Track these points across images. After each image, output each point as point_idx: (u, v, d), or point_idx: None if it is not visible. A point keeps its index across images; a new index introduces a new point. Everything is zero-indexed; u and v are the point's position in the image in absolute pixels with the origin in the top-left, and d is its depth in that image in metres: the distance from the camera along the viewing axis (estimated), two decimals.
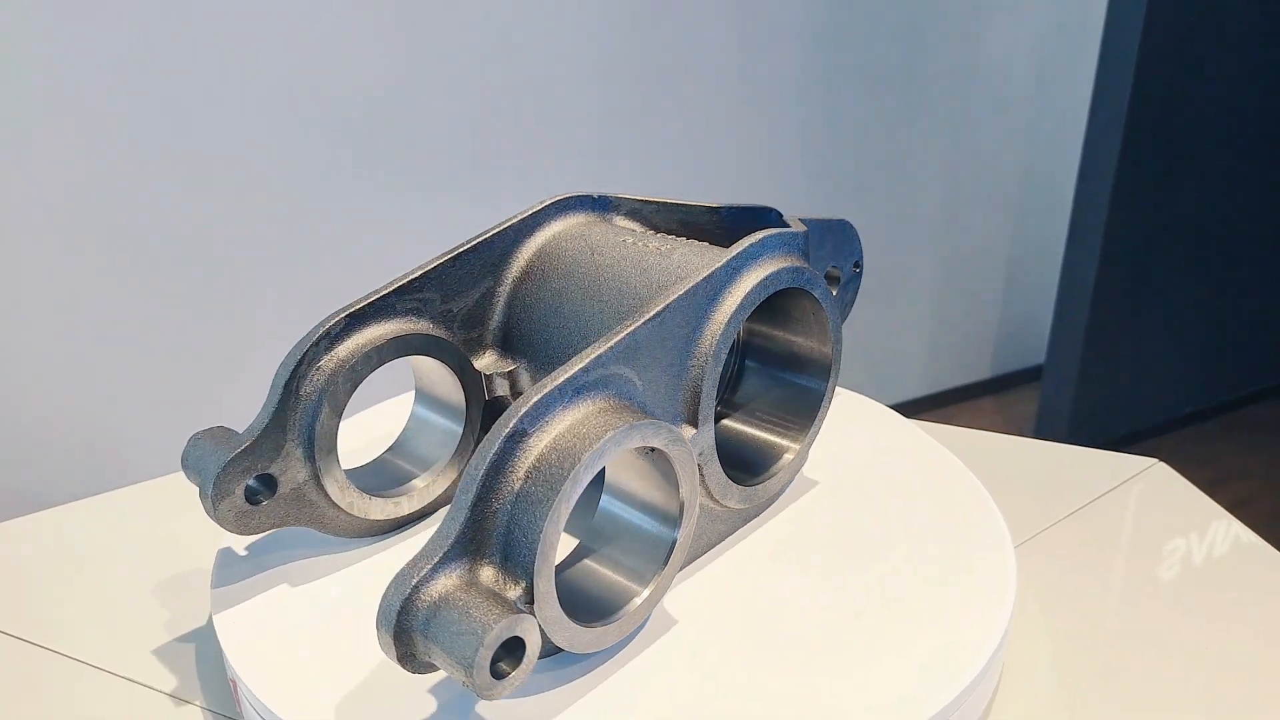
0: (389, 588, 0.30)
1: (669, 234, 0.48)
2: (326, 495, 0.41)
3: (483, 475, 0.31)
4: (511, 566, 0.32)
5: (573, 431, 0.33)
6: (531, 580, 0.31)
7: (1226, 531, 0.55)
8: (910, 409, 1.80)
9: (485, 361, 0.46)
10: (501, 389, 0.46)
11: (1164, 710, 0.42)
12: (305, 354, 0.40)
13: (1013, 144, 1.74)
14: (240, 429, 0.40)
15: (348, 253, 1.19)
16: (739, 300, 0.40)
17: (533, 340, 0.45)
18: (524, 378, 0.46)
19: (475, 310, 0.45)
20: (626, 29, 1.28)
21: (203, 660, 0.44)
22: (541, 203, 0.47)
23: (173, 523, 0.56)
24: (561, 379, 0.33)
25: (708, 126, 1.41)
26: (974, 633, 0.39)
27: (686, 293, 0.38)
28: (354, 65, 1.12)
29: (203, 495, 0.38)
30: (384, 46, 1.13)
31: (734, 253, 0.40)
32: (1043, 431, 1.70)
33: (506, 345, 0.46)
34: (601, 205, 0.49)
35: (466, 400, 0.45)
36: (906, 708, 0.35)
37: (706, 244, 0.44)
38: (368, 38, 1.12)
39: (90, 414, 1.11)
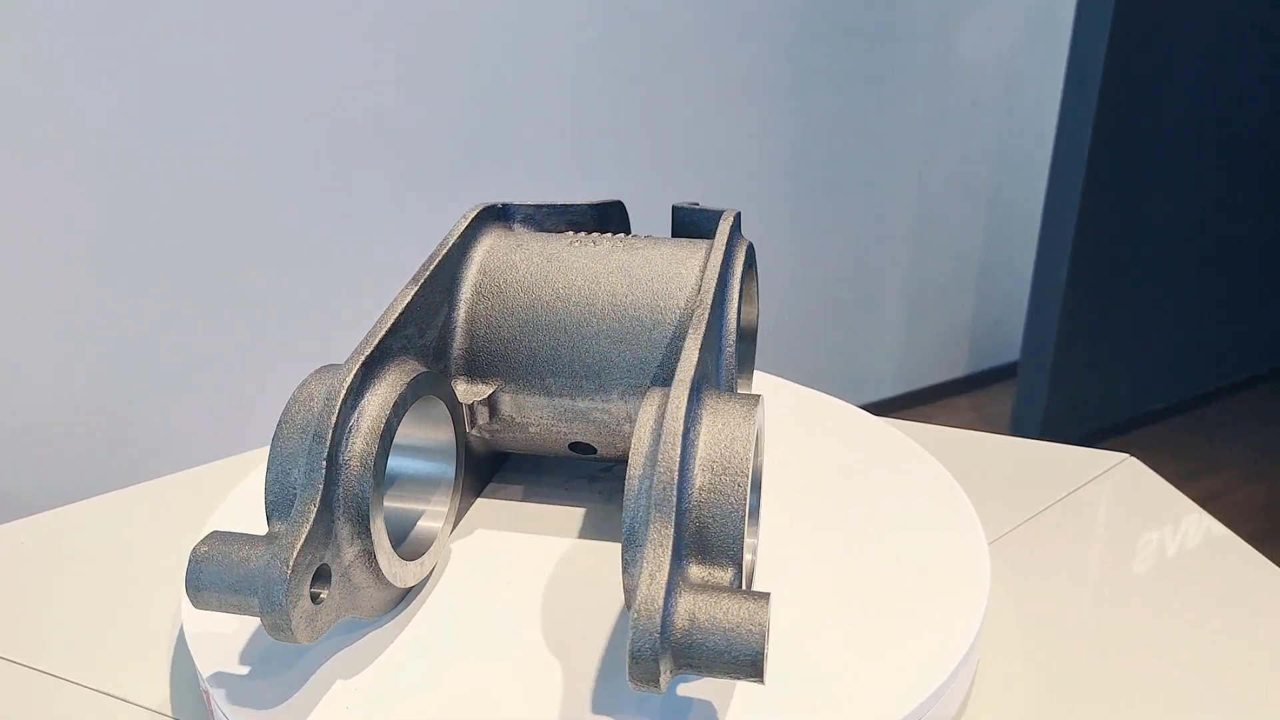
0: (638, 625, 0.29)
1: (580, 233, 0.48)
2: (374, 571, 0.36)
3: (677, 485, 0.32)
4: (715, 556, 0.33)
5: (721, 426, 0.34)
6: (740, 564, 0.33)
7: (1198, 525, 0.55)
8: (886, 408, 1.81)
9: (460, 391, 0.44)
10: (483, 417, 0.43)
11: (1139, 704, 0.43)
12: (339, 415, 0.35)
13: (985, 144, 1.76)
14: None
15: (338, 256, 1.18)
16: (739, 277, 0.43)
17: (506, 360, 0.43)
18: (504, 400, 0.44)
19: (439, 340, 0.43)
20: (603, 31, 1.28)
21: (176, 672, 0.44)
22: (466, 217, 0.45)
23: (142, 532, 0.55)
24: (687, 379, 0.34)
25: (683, 128, 1.41)
26: (949, 629, 0.39)
27: (720, 279, 0.41)
28: (343, 71, 1.12)
29: (269, 613, 0.31)
30: (374, 53, 1.13)
31: (726, 236, 0.44)
32: (1018, 428, 1.72)
33: (473, 371, 0.44)
34: (505, 215, 0.48)
35: (455, 436, 0.43)
36: (881, 705, 0.35)
37: (645, 236, 0.46)
38: (357, 44, 1.12)
39: (58, 423, 1.10)
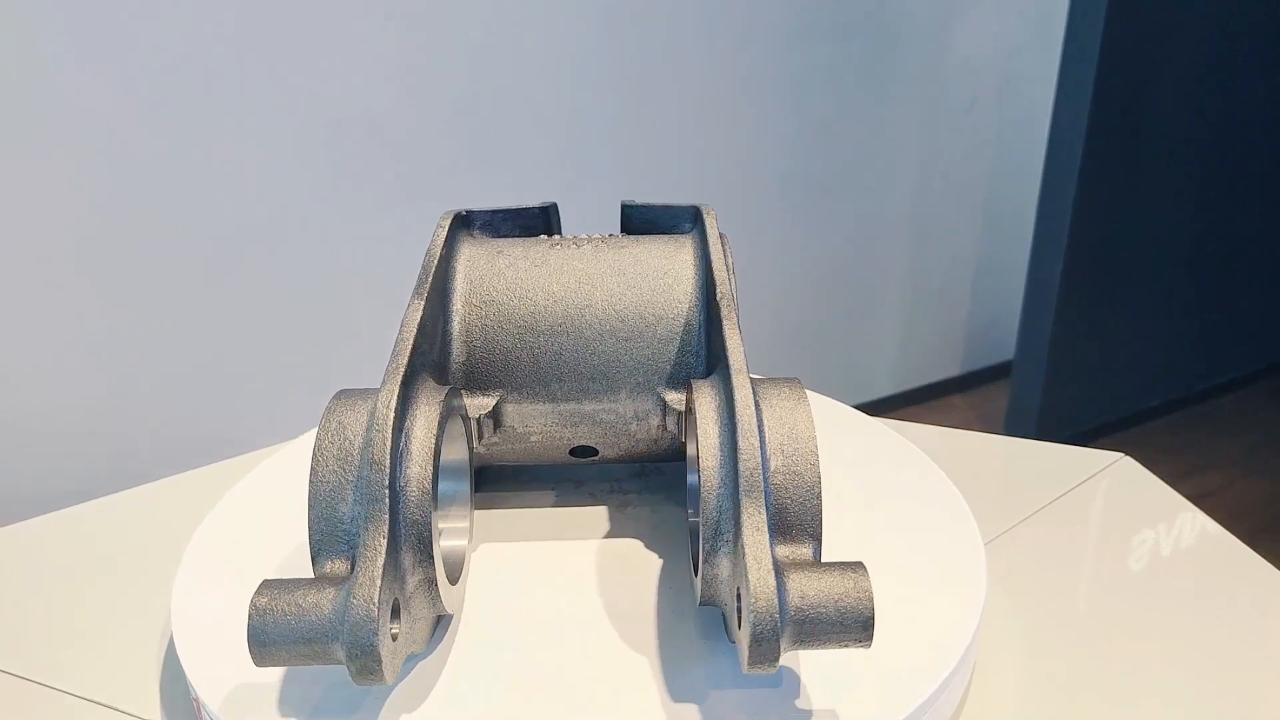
0: (758, 608, 0.30)
1: (556, 236, 0.48)
2: (431, 599, 0.35)
3: (765, 475, 0.33)
4: (796, 534, 0.34)
5: (778, 409, 0.35)
6: (820, 539, 0.34)
7: (1192, 523, 0.55)
8: (881, 407, 1.81)
9: (466, 405, 0.42)
10: (487, 430, 0.42)
11: (1135, 701, 0.43)
12: (394, 444, 0.33)
13: (980, 144, 1.76)
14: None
15: (332, 259, 1.18)
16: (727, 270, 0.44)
17: (509, 369, 0.42)
18: (507, 410, 0.43)
19: (441, 354, 0.42)
20: (599, 31, 1.28)
21: (166, 680, 0.43)
22: (443, 226, 0.44)
23: (130, 538, 0.55)
24: (744, 368, 0.36)
25: (679, 129, 1.41)
26: (946, 629, 0.39)
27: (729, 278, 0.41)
28: (338, 72, 1.12)
29: (359, 658, 0.29)
30: (368, 55, 1.13)
31: (716, 230, 0.44)
32: (1013, 426, 1.72)
33: (474, 383, 0.43)
34: (468, 222, 0.47)
35: (469, 451, 0.42)
36: (879, 706, 0.35)
37: (620, 235, 0.46)
38: (352, 46, 1.12)
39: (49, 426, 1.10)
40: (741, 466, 0.33)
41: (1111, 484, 0.59)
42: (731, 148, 1.48)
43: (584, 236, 0.46)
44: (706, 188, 1.46)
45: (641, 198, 0.49)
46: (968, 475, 0.51)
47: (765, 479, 0.33)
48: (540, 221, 0.49)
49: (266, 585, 0.31)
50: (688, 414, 0.40)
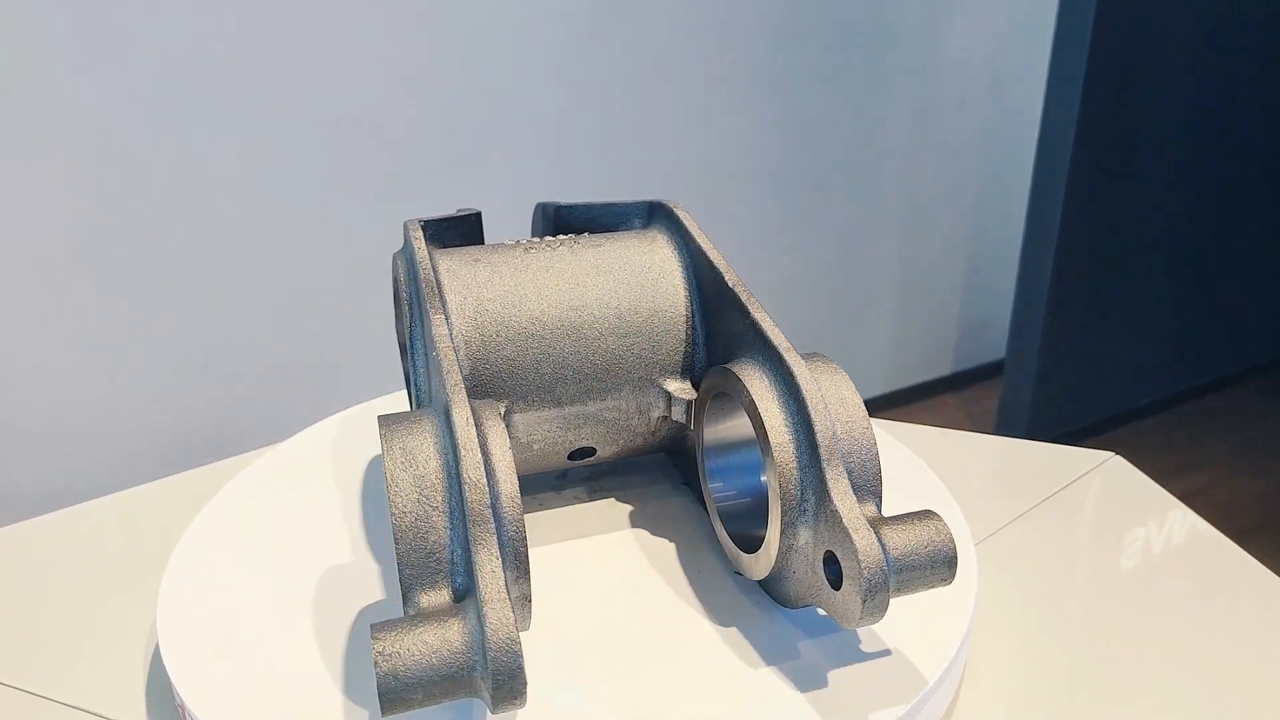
0: (870, 564, 0.32)
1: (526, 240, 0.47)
2: (527, 617, 0.34)
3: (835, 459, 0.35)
4: (863, 494, 0.36)
5: (825, 380, 0.38)
6: (881, 496, 0.36)
7: (1182, 522, 0.55)
8: (873, 406, 1.81)
9: None
10: None
11: (1127, 700, 0.43)
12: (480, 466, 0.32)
13: (971, 143, 1.76)
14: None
15: (325, 258, 1.17)
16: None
17: (514, 377, 0.42)
18: (515, 418, 0.42)
19: None
20: (588, 32, 1.28)
21: (151, 687, 0.43)
22: (417, 236, 0.43)
23: (113, 544, 0.54)
24: (790, 346, 0.37)
25: (669, 128, 1.41)
26: (937, 631, 0.39)
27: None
28: (331, 72, 1.11)
29: (504, 685, 0.29)
30: (360, 55, 1.12)
31: (694, 223, 0.45)
32: (1004, 425, 1.72)
33: (478, 394, 0.42)
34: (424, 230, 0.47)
35: None
36: (872, 705, 0.35)
37: (586, 235, 0.46)
38: (344, 46, 1.11)
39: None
40: (820, 438, 0.34)
41: (1102, 483, 0.59)
42: (721, 147, 1.47)
43: (556, 239, 0.45)
44: (696, 187, 1.46)
45: (633, 198, 0.49)
46: (958, 475, 0.51)
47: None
48: (477, 229, 0.49)
49: (380, 633, 0.29)
50: (699, 402, 0.41)
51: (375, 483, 0.50)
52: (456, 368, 0.35)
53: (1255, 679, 0.44)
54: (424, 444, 0.33)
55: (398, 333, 0.48)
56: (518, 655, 0.29)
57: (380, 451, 0.52)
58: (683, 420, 0.43)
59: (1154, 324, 1.79)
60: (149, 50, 1.03)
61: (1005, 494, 0.57)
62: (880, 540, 0.33)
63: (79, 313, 1.08)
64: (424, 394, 0.41)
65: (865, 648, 0.38)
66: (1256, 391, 1.96)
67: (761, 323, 0.38)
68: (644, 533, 0.46)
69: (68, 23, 0.98)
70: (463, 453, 0.32)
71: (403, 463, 0.33)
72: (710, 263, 0.42)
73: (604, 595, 0.41)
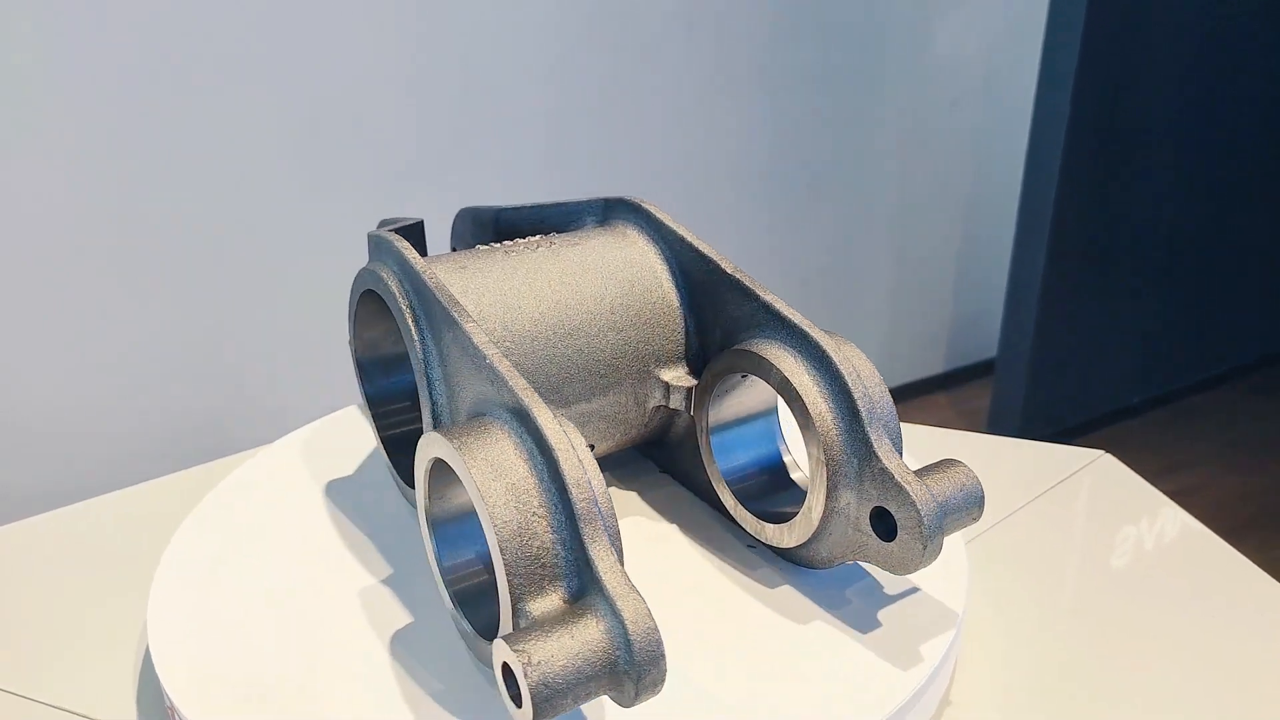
0: (928, 512, 0.35)
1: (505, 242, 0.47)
2: None
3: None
4: (895, 448, 0.39)
5: (841, 350, 0.39)
6: (902, 449, 0.39)
7: (1172, 521, 0.56)
8: None
9: None
10: None
11: (1117, 698, 0.43)
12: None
13: (963, 142, 1.76)
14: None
15: (317, 258, 1.17)
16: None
17: None
18: None
19: None
20: (579, 31, 1.28)
21: (142, 689, 0.43)
22: (405, 246, 0.42)
23: (109, 543, 0.54)
24: (813, 325, 0.39)
25: (663, 126, 1.40)
26: (927, 629, 0.39)
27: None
28: (324, 71, 1.11)
29: (651, 672, 0.30)
30: (351, 53, 1.12)
31: (666, 215, 0.46)
32: (996, 424, 1.72)
33: None
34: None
35: None
36: (862, 704, 0.35)
37: (557, 235, 0.47)
38: (336, 45, 1.11)
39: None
40: (859, 404, 0.37)
41: (1092, 481, 0.59)
42: (713, 147, 1.47)
43: (534, 239, 0.45)
44: (688, 186, 1.46)
45: (633, 196, 0.49)
46: None
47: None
48: (420, 240, 0.49)
49: (516, 642, 0.29)
50: (703, 386, 0.43)
51: (368, 483, 0.50)
52: (515, 371, 0.35)
53: (1246, 676, 0.44)
54: (506, 452, 0.33)
55: (353, 352, 0.48)
56: (661, 644, 0.29)
57: (372, 450, 0.52)
58: (681, 407, 0.44)
59: (1145, 323, 1.79)
60: (149, 50, 1.03)
61: (996, 492, 0.57)
62: (932, 492, 0.36)
63: (75, 312, 1.07)
64: (444, 410, 0.40)
65: (855, 646, 0.38)
66: (1247, 390, 1.97)
67: (775, 304, 0.40)
68: (643, 520, 0.46)
69: (67, 22, 0.98)
70: (559, 454, 0.32)
71: (492, 474, 0.32)
72: (699, 253, 0.44)
73: (654, 583, 0.41)
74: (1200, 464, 1.71)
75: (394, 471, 0.47)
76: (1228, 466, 1.71)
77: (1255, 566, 0.51)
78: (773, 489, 0.43)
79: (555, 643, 0.29)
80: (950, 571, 0.42)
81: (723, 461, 0.44)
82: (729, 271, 0.42)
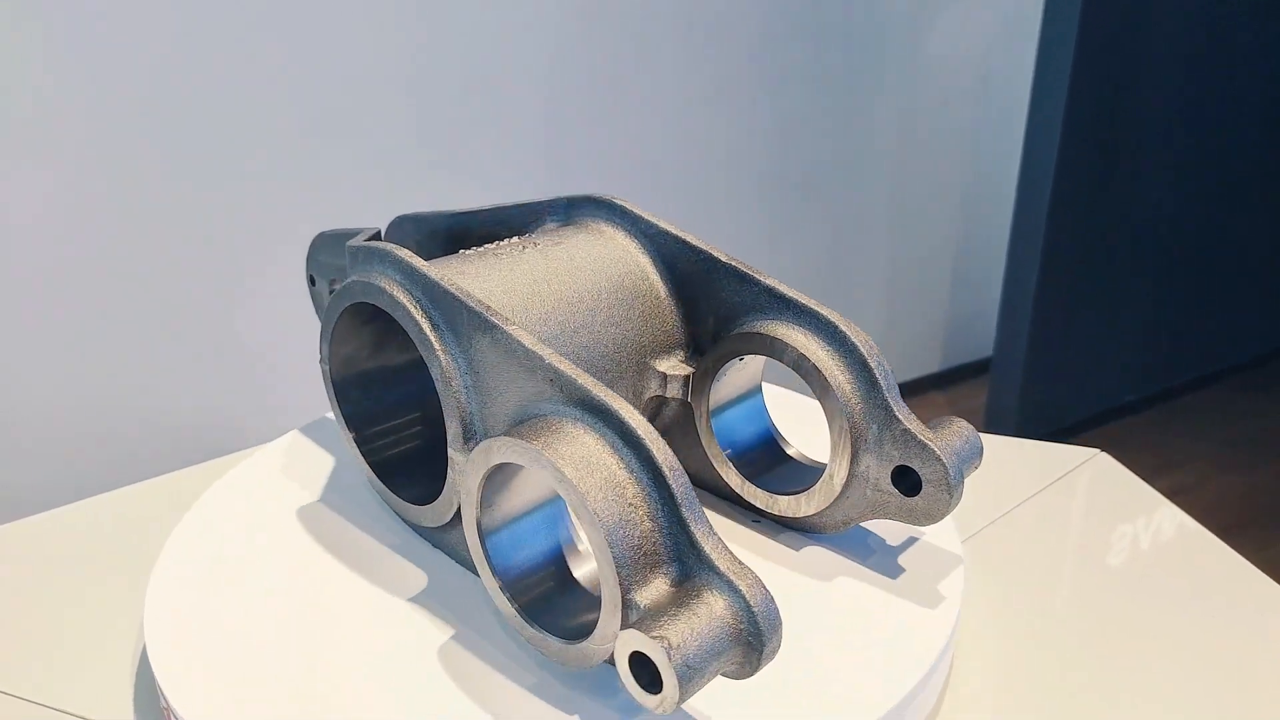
0: (952, 463, 0.38)
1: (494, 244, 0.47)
2: None
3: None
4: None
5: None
6: None
7: (1169, 519, 0.56)
8: None
9: None
10: None
11: (1114, 696, 0.43)
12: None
13: (958, 142, 1.77)
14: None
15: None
16: None
17: None
18: None
19: None
20: (576, 30, 1.28)
21: (139, 690, 0.43)
22: (407, 254, 0.41)
23: (102, 544, 0.54)
24: (824, 308, 0.41)
25: (655, 127, 1.40)
26: (923, 627, 0.39)
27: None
28: (319, 70, 1.11)
29: (773, 639, 0.31)
30: (347, 51, 1.12)
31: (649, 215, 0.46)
32: (992, 422, 1.73)
33: None
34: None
35: None
36: (859, 703, 0.35)
37: (541, 233, 0.47)
38: (332, 44, 1.11)
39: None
40: (878, 374, 0.39)
41: (1088, 480, 0.59)
42: (708, 146, 1.47)
43: (519, 239, 0.46)
44: (684, 186, 1.46)
45: (632, 197, 0.49)
46: None
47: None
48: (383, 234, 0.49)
49: (649, 628, 0.30)
50: (703, 372, 0.44)
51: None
52: (578, 369, 0.34)
53: (1242, 675, 0.44)
54: (589, 446, 0.33)
55: (327, 372, 0.46)
56: (779, 612, 0.31)
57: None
58: (678, 396, 0.44)
59: (1140, 321, 1.79)
60: (149, 50, 1.02)
61: (992, 491, 0.57)
62: (947, 446, 0.39)
63: (75, 312, 1.07)
64: (475, 419, 0.39)
65: (852, 645, 0.38)
66: (1242, 388, 1.98)
67: (778, 287, 0.42)
68: None
69: (67, 22, 0.97)
70: (650, 444, 0.32)
71: (586, 470, 0.32)
72: (687, 244, 0.45)
73: None
74: (1196, 462, 1.71)
75: (385, 492, 0.45)
76: (1223, 465, 1.71)
77: (1251, 565, 0.51)
78: (772, 463, 0.46)
79: (686, 624, 0.30)
80: (946, 570, 0.42)
81: (725, 442, 0.45)
82: (724, 260, 0.43)
